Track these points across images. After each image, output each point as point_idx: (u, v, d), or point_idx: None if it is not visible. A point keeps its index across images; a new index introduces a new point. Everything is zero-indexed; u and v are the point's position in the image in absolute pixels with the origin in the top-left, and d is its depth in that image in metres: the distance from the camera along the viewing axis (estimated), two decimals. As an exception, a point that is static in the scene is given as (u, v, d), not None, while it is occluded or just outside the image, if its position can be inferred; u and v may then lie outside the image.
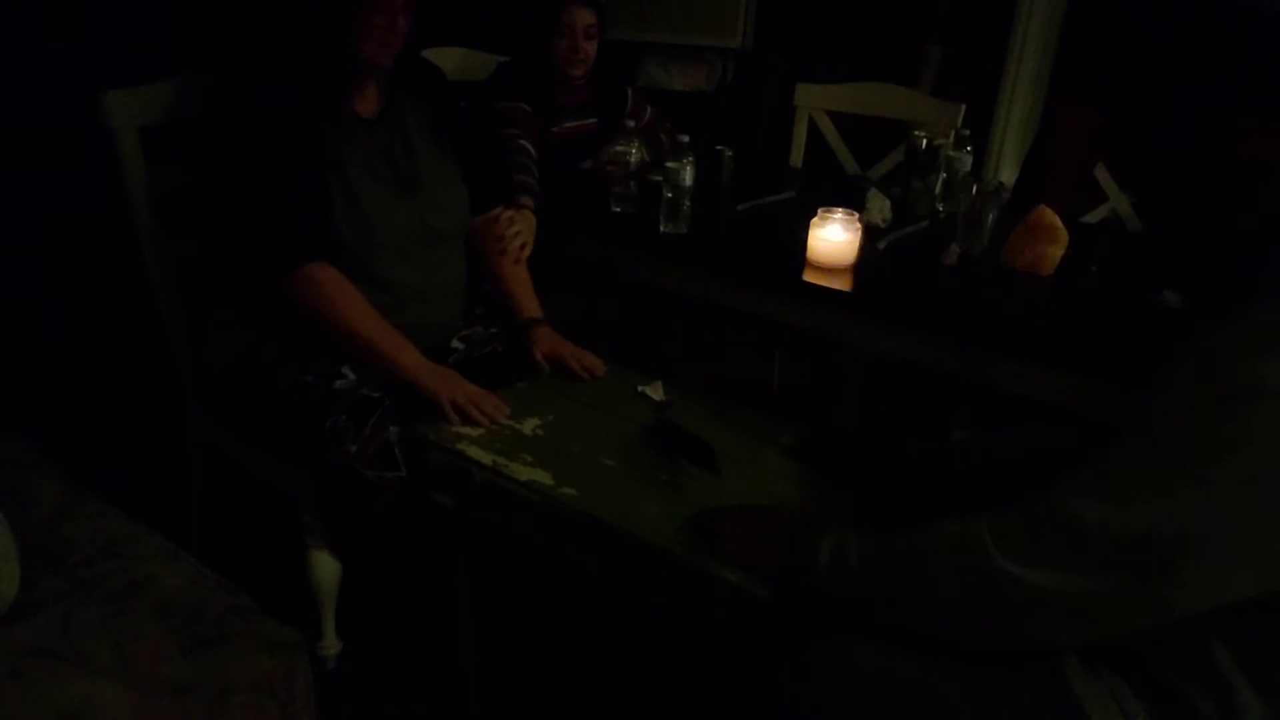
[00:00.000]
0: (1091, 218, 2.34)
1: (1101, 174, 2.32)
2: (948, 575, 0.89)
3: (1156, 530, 0.78)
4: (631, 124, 2.01)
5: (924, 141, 2.04)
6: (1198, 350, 0.82)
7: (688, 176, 1.80)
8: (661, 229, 1.83)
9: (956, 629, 0.90)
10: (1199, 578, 0.79)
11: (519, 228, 1.74)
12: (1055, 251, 1.67)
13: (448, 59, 2.23)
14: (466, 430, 1.37)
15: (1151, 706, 0.88)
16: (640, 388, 1.53)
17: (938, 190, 2.01)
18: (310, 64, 1.44)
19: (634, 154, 1.93)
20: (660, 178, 1.83)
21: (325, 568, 1.53)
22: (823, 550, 0.98)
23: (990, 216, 1.75)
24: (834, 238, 1.64)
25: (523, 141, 1.98)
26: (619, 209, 1.95)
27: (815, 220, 1.66)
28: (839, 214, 1.65)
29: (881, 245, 1.82)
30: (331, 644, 1.60)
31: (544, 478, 1.26)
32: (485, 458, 1.31)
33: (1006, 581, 0.83)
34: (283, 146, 1.41)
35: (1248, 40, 0.85)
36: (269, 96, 1.42)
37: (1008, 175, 2.84)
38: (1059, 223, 1.66)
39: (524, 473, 1.28)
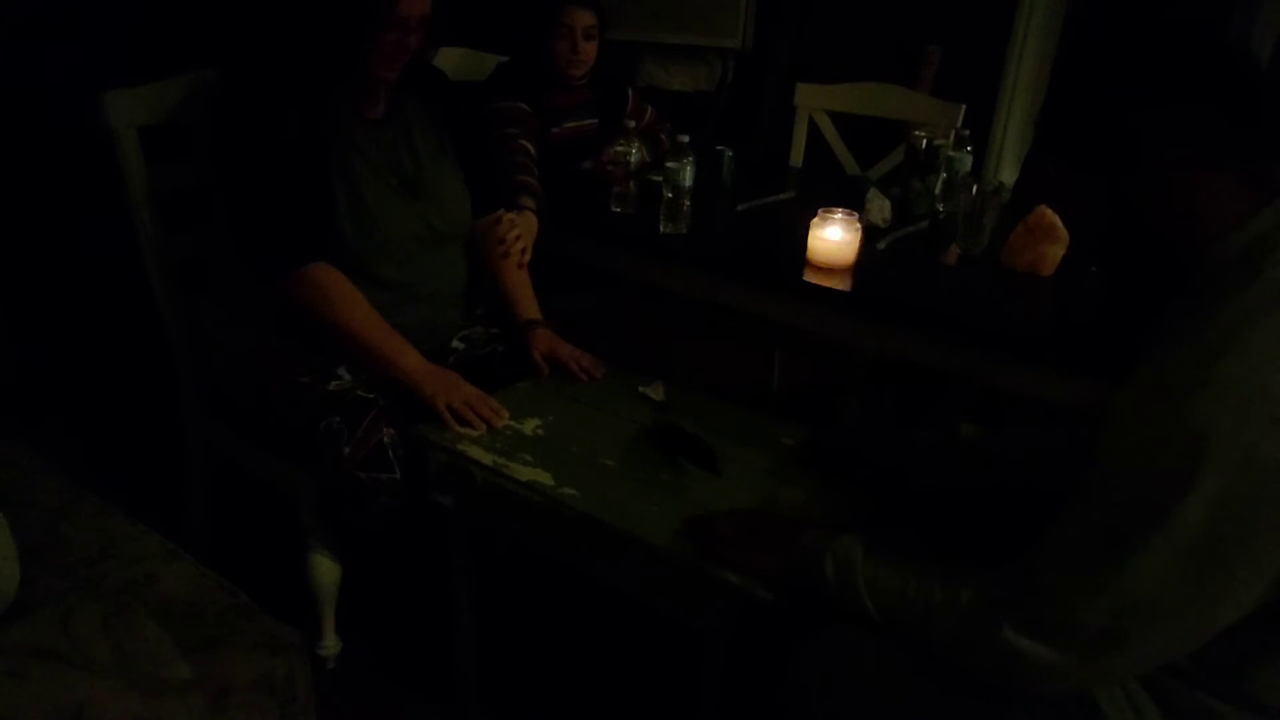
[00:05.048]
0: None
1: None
2: (954, 639, 0.90)
3: (1117, 611, 0.79)
4: (631, 124, 2.01)
5: (924, 141, 2.04)
6: (1114, 408, 0.82)
7: (688, 176, 1.80)
8: (661, 229, 1.83)
9: (964, 668, 0.91)
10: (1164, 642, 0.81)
11: (520, 230, 1.74)
12: (1055, 251, 1.66)
13: (448, 59, 2.23)
14: (467, 430, 1.37)
15: None
16: (640, 388, 1.53)
17: (938, 190, 2.01)
18: (317, 70, 1.44)
19: (634, 154, 1.93)
20: (660, 178, 1.83)
21: (325, 568, 1.53)
22: (826, 568, 0.98)
23: (990, 216, 1.75)
24: (834, 238, 1.64)
25: (522, 141, 1.98)
26: (619, 209, 1.95)
27: (815, 220, 1.66)
28: (839, 214, 1.65)
29: (881, 245, 1.82)
30: (331, 644, 1.60)
31: (545, 478, 1.26)
32: (486, 458, 1.31)
33: (1010, 651, 0.84)
34: (287, 148, 1.40)
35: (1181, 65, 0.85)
36: (275, 99, 1.41)
37: (1008, 175, 2.84)
38: (1059, 223, 1.65)
39: (525, 473, 1.27)
